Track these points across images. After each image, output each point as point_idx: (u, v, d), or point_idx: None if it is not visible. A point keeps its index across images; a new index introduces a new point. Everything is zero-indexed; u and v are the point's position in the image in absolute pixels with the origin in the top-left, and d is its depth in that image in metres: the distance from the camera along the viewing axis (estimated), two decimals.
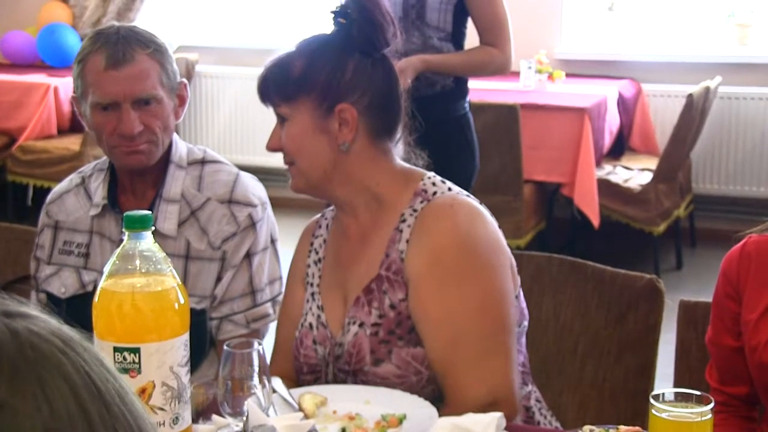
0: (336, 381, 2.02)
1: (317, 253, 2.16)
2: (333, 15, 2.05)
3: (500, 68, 3.74)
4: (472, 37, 3.77)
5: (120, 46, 2.26)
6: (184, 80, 2.36)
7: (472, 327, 1.94)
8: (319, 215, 2.22)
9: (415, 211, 2.01)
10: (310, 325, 2.09)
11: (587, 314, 2.35)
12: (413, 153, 2.13)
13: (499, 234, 2.02)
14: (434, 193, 2.02)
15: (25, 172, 6.22)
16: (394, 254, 2.00)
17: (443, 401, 1.93)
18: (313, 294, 2.12)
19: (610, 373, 2.30)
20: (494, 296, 1.97)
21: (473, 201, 2.03)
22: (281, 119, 2.04)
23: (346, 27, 2.02)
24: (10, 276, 2.71)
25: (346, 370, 2.00)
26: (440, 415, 1.81)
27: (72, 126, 6.30)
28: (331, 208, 2.18)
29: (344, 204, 2.08)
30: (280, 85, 2.02)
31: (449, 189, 2.04)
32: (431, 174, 2.08)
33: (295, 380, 2.12)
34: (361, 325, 1.99)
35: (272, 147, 2.07)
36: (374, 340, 1.97)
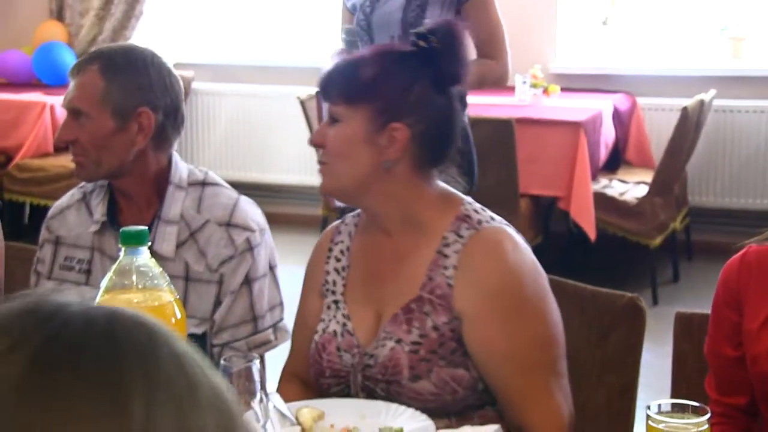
0: (364, 389, 2.03)
1: (338, 260, 2.15)
2: (415, 35, 2.04)
3: (500, 80, 3.76)
4: None
5: (85, 59, 2.33)
6: (147, 109, 2.29)
7: (542, 359, 1.99)
8: (338, 221, 2.21)
9: (460, 236, 2.01)
10: (334, 332, 2.08)
11: (568, 334, 2.32)
12: (451, 178, 2.12)
13: (536, 260, 2.05)
14: (479, 222, 2.03)
15: (21, 190, 6.22)
16: (439, 279, 2.00)
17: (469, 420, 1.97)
18: (336, 302, 2.11)
19: (591, 394, 2.28)
20: (554, 324, 2.02)
21: (512, 230, 2.06)
22: (333, 118, 2.03)
23: (425, 51, 2.01)
24: (5, 294, 2.71)
25: (379, 379, 2.01)
26: None
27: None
28: (353, 214, 2.18)
29: (379, 217, 2.08)
30: (345, 84, 2.02)
31: (492, 218, 2.05)
32: (469, 199, 2.09)
33: (311, 384, 2.13)
34: (398, 341, 2.00)
35: (316, 142, 2.06)
36: (414, 357, 1.98)
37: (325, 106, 2.09)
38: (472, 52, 2.05)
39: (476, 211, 2.06)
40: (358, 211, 2.17)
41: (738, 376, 2.01)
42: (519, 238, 2.04)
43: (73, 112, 2.31)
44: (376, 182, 2.02)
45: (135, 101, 2.29)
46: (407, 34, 3.67)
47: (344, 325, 2.08)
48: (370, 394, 2.01)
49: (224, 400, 0.75)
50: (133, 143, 2.30)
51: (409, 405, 1.93)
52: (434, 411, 1.92)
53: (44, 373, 0.70)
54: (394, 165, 2.01)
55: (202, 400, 0.73)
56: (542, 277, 2.04)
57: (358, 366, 2.04)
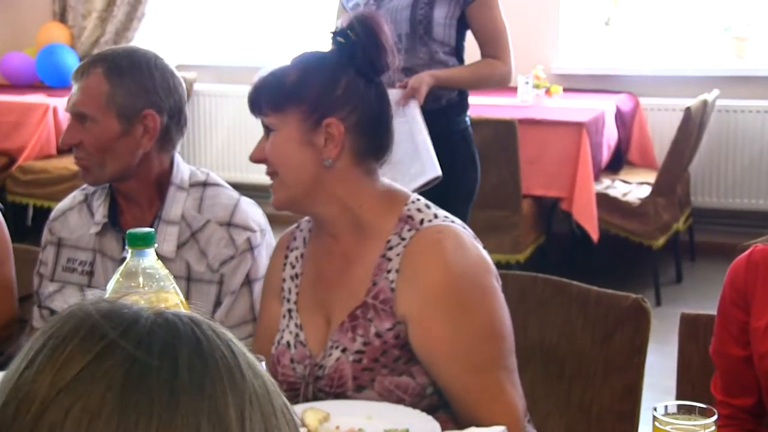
0: (316, 400, 2.00)
1: (293, 267, 2.14)
2: (333, 34, 2.05)
3: (503, 79, 3.78)
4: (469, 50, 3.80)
5: (88, 62, 2.33)
6: (152, 111, 2.31)
7: (488, 354, 1.96)
8: (293, 226, 2.20)
9: (402, 239, 1.99)
10: (288, 343, 2.07)
11: (573, 335, 2.33)
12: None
13: (486, 255, 2.02)
14: (421, 221, 2.01)
15: (24, 192, 6.22)
16: (382, 283, 1.98)
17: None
18: (290, 311, 2.10)
19: (596, 395, 2.28)
20: (499, 320, 1.98)
21: (458, 226, 2.02)
22: (267, 130, 2.04)
23: (346, 46, 2.02)
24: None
25: (327, 392, 2.00)
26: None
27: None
28: (307, 219, 2.16)
29: (326, 222, 2.06)
30: (270, 94, 2.02)
31: (435, 216, 2.02)
32: (415, 196, 2.07)
33: None
34: (344, 350, 1.99)
35: (256, 158, 2.07)
36: (357, 366, 1.97)
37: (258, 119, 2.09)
38: (390, 38, 2.04)
39: (419, 210, 2.03)
40: None
41: (745, 376, 2.01)
42: (463, 235, 2.00)
43: (78, 115, 2.30)
44: (321, 183, 2.00)
45: (140, 104, 2.29)
46: (415, 31, 3.69)
47: (297, 335, 2.07)
48: None
49: (286, 404, 0.78)
50: (138, 146, 2.30)
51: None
52: None
53: (141, 381, 0.71)
54: (335, 161, 2.00)
55: (276, 405, 0.75)
56: (488, 273, 2.00)
57: (309, 377, 2.02)
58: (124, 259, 1.59)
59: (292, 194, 2.04)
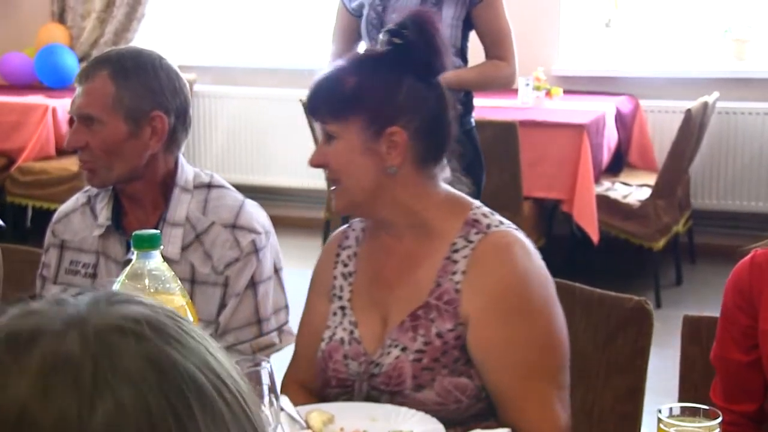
0: (369, 398, 2.00)
1: (346, 265, 2.13)
2: (387, 33, 2.01)
3: (509, 81, 3.79)
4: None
5: (92, 64, 2.31)
6: (160, 113, 2.29)
7: (539, 362, 1.96)
8: (345, 226, 2.19)
9: (470, 242, 1.99)
10: (342, 339, 2.06)
11: (575, 337, 2.32)
12: (455, 177, 2.10)
13: (544, 266, 2.03)
14: (488, 226, 2.01)
15: (24, 193, 6.22)
16: (447, 284, 1.98)
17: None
18: (342, 308, 2.09)
19: (598, 397, 2.27)
20: (556, 330, 1.99)
21: (521, 234, 2.04)
22: (328, 136, 2.01)
23: (401, 48, 1.99)
24: (13, 297, 2.70)
25: (383, 390, 1.99)
26: None
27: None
28: (360, 219, 2.15)
29: (387, 224, 2.06)
30: (330, 102, 1.99)
31: (500, 222, 2.03)
32: (478, 203, 2.07)
33: (315, 391, 2.11)
34: (403, 349, 1.98)
35: (315, 163, 2.03)
36: (417, 366, 1.96)
37: (317, 124, 2.05)
38: (446, 38, 2.01)
39: (485, 215, 2.04)
40: None
41: (748, 381, 2.00)
42: (528, 243, 2.03)
43: (84, 118, 2.29)
44: (384, 190, 2.00)
45: (147, 105, 2.28)
46: None
47: (351, 332, 2.06)
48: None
49: None
50: (146, 147, 2.30)
51: None
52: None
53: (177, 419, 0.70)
54: (399, 169, 1.99)
55: None
56: (549, 283, 2.02)
57: (364, 375, 2.02)
58: (127, 261, 1.59)
59: (355, 201, 2.03)
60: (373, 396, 2.00)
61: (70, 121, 2.39)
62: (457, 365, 1.96)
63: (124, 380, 0.69)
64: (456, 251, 2.00)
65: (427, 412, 1.93)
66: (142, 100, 2.28)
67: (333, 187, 2.04)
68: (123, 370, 0.70)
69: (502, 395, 1.96)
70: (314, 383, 2.11)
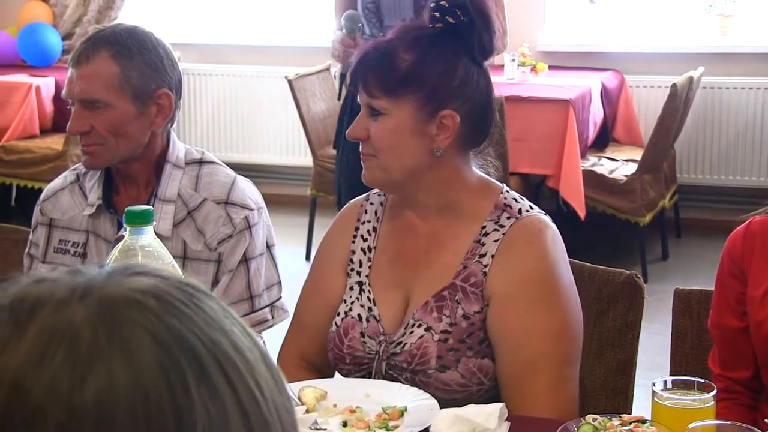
0: (387, 377, 1.98)
1: (365, 240, 2.09)
2: (439, 10, 1.94)
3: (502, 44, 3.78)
4: None
5: (88, 45, 2.25)
6: (165, 90, 2.27)
7: (551, 352, 1.94)
8: (362, 197, 2.14)
9: (501, 226, 1.97)
10: (359, 316, 2.03)
11: None
12: (486, 161, 2.07)
13: (565, 249, 2.02)
14: (519, 210, 2.00)
15: (8, 172, 6.18)
16: (474, 267, 1.97)
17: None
18: (360, 284, 2.06)
19: (589, 371, 2.27)
20: (573, 321, 1.98)
21: (549, 219, 2.03)
22: (373, 111, 1.95)
23: (456, 27, 1.94)
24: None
25: (404, 368, 1.97)
26: None
27: (54, 125, 6.26)
28: (376, 192, 2.11)
29: (418, 204, 2.03)
30: (383, 77, 1.93)
31: (531, 207, 2.03)
32: (505, 187, 2.05)
33: (316, 364, 2.09)
34: (428, 329, 1.96)
35: (355, 136, 1.98)
36: (443, 346, 1.95)
37: (361, 96, 1.97)
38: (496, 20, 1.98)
39: (516, 200, 2.03)
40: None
41: (742, 347, 2.02)
42: (555, 229, 2.02)
43: (87, 102, 2.24)
44: (424, 171, 1.97)
45: (154, 83, 2.26)
46: (420, 16, 3.66)
47: (370, 309, 2.03)
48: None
49: None
50: (151, 125, 2.27)
51: (435, 395, 1.88)
52: (460, 402, 1.84)
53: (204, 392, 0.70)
54: (445, 151, 1.96)
55: None
56: (570, 272, 2.02)
57: (384, 354, 1.99)
58: (118, 239, 1.57)
59: (392, 178, 1.98)
60: (390, 375, 1.98)
61: (55, 101, 2.35)
62: (482, 347, 1.95)
63: (121, 352, 0.68)
64: (486, 234, 1.98)
65: (449, 392, 1.93)
66: (148, 79, 2.25)
67: (367, 159, 1.98)
68: (120, 342, 0.68)
69: (511, 378, 1.95)
70: (318, 355, 2.09)
